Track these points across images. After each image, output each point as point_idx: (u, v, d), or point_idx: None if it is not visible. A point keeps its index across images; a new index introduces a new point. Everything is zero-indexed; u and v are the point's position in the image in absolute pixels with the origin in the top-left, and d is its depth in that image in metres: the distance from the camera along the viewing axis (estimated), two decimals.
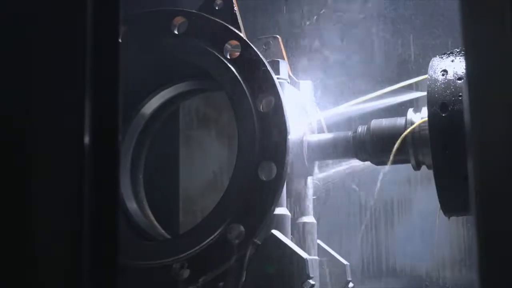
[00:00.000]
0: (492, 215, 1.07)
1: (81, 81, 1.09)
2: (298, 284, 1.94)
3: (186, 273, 2.00)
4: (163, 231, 2.43)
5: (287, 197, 2.14)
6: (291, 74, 2.29)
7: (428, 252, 2.64)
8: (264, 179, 1.99)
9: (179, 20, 2.23)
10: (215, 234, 1.99)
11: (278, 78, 2.11)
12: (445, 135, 1.79)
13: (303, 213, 2.25)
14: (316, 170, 2.33)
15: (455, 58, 1.84)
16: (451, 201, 1.83)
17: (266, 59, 2.12)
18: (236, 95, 2.07)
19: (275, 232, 2.00)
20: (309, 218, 2.26)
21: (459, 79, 1.80)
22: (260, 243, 1.99)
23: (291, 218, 2.14)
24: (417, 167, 2.04)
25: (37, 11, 1.11)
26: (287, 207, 2.12)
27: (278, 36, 2.27)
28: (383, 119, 2.10)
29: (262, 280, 1.97)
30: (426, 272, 2.71)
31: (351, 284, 2.31)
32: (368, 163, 2.17)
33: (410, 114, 2.04)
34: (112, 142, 1.10)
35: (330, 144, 2.19)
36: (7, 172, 1.07)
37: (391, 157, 2.02)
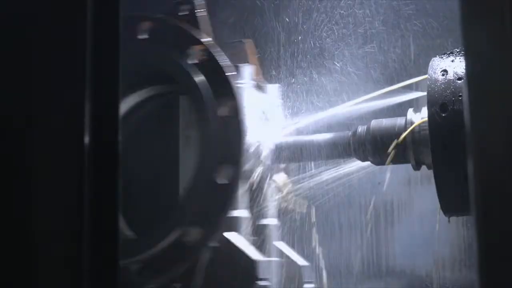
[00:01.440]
0: (492, 215, 1.07)
1: (81, 81, 1.09)
2: (250, 285, 1.97)
3: (142, 274, 2.02)
4: (130, 232, 2.42)
5: (249, 199, 2.16)
6: (259, 78, 2.30)
7: (428, 252, 2.65)
8: (221, 182, 2.02)
9: (144, 24, 2.23)
10: (172, 236, 2.01)
11: (241, 83, 2.13)
12: (445, 135, 1.79)
13: (264, 215, 2.27)
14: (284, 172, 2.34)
15: (455, 58, 1.84)
16: (451, 201, 1.84)
17: (234, 62, 2.14)
18: (197, 99, 2.09)
19: (228, 234, 2.02)
20: (270, 220, 2.27)
21: (459, 79, 1.80)
22: (215, 246, 2.01)
23: (253, 220, 2.16)
24: (417, 167, 2.04)
25: (37, 11, 1.11)
26: (248, 209, 2.14)
27: (248, 40, 2.28)
28: (383, 119, 2.10)
29: (217, 282, 1.99)
30: (426, 272, 2.71)
31: (310, 285, 2.31)
32: (368, 163, 2.18)
33: (410, 114, 2.04)
34: (112, 142, 1.10)
35: (329, 144, 2.20)
36: (8, 172, 1.07)
37: (389, 157, 2.03)
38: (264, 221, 2.24)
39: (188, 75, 2.11)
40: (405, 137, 2.01)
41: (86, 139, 1.08)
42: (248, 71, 2.21)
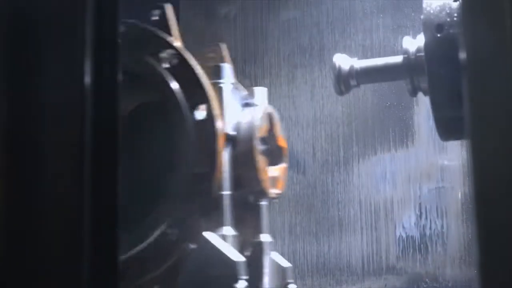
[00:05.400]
0: (492, 214, 1.08)
1: (81, 80, 1.09)
2: (229, 285, 1.99)
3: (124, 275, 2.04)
4: None
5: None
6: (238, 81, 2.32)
7: None
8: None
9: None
10: (152, 236, 2.03)
11: (219, 82, 2.16)
12: (441, 56, 1.81)
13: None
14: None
15: None
16: (447, 125, 1.86)
17: (211, 64, 2.18)
18: (171, 103, 2.11)
19: (207, 234, 2.04)
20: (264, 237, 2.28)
21: (455, 0, 1.84)
22: (194, 246, 2.03)
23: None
24: (413, 93, 2.06)
25: (37, 8, 1.11)
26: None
27: (222, 44, 2.30)
28: None
29: (196, 282, 2.01)
30: None
31: (292, 286, 2.34)
32: None
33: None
34: (112, 142, 1.10)
35: None
36: (8, 172, 1.07)
37: None
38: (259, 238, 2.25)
39: (164, 79, 2.13)
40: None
41: (86, 139, 1.08)
42: (226, 70, 2.22)
